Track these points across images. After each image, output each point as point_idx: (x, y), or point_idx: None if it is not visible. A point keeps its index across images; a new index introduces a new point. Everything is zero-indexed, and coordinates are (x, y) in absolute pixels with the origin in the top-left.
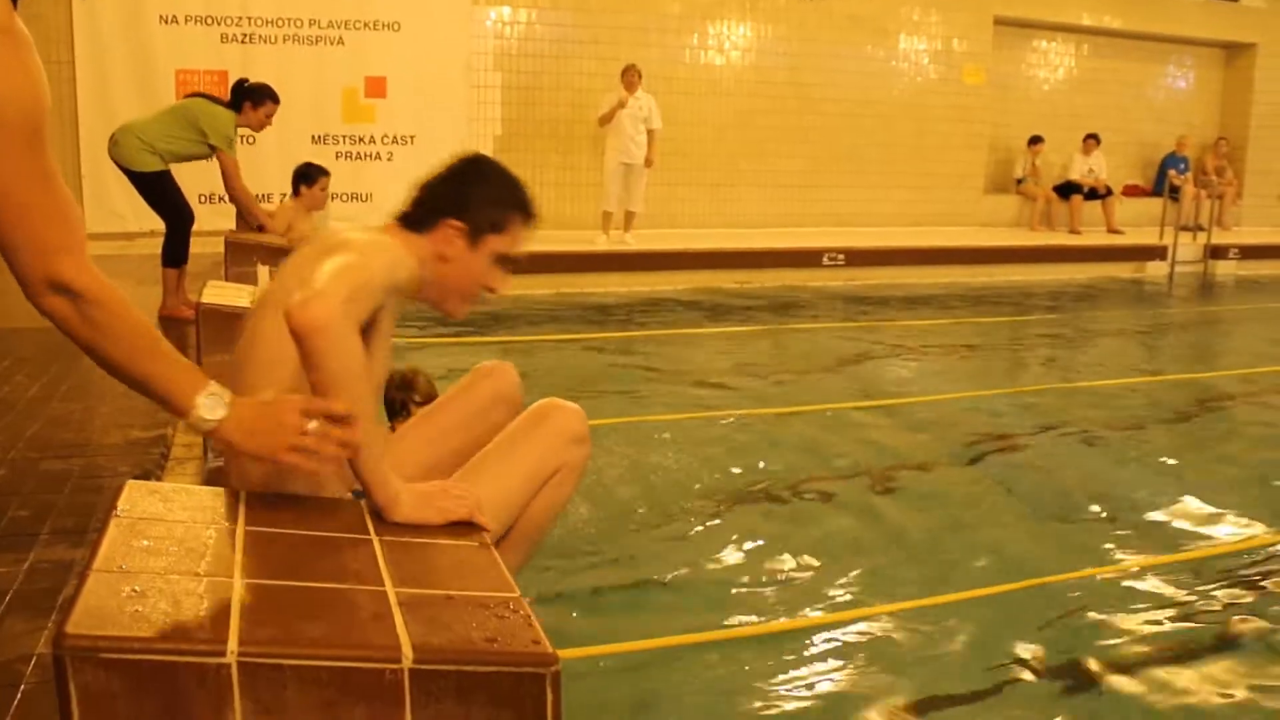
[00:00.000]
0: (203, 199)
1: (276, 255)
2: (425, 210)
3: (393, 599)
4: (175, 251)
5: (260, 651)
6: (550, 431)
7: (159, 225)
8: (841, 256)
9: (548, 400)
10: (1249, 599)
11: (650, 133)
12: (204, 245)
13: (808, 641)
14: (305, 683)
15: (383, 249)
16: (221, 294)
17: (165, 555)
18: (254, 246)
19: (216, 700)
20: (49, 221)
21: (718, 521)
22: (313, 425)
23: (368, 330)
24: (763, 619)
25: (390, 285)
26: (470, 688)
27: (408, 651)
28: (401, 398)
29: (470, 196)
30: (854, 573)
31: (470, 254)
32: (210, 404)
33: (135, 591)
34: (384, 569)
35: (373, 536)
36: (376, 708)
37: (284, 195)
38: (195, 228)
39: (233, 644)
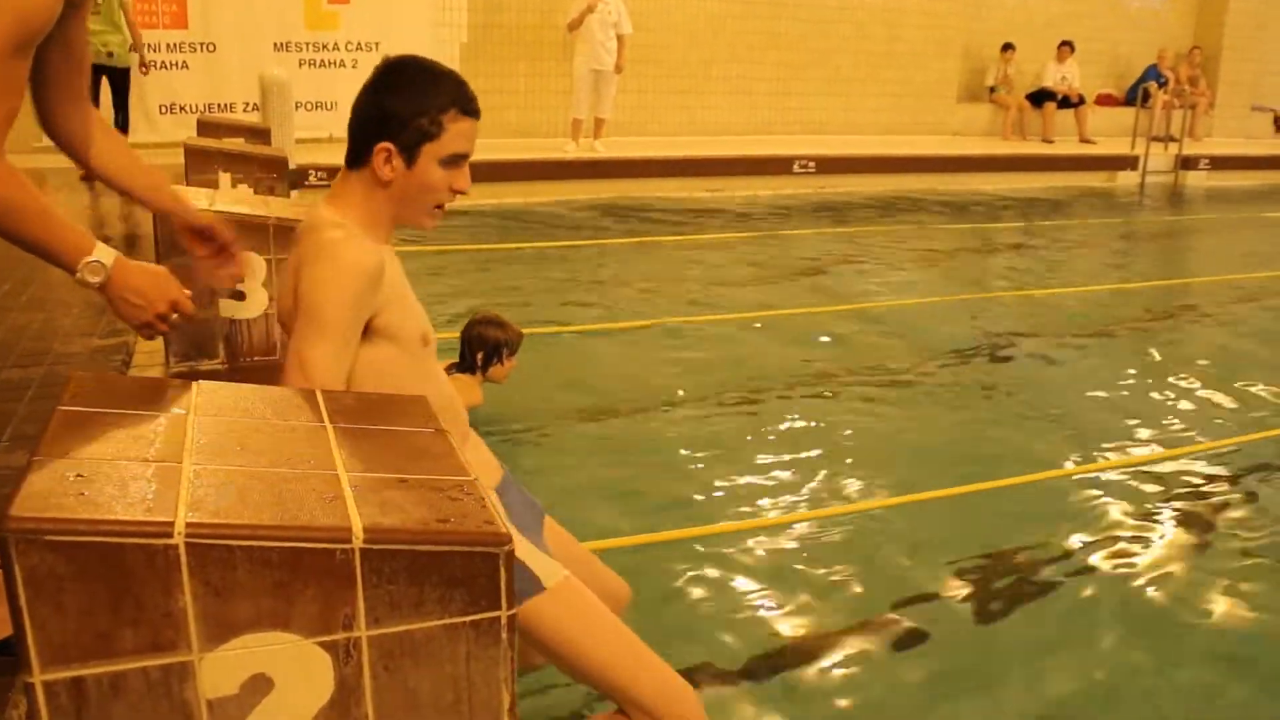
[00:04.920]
0: (163, 109)
1: (237, 162)
2: (355, 141)
3: (345, 482)
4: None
5: (209, 532)
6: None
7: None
8: (812, 164)
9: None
10: (1214, 497)
11: (620, 38)
12: (168, 156)
13: (780, 539)
14: (255, 564)
15: (333, 274)
16: None
17: (113, 442)
18: (214, 154)
19: (165, 582)
20: None
21: (691, 424)
22: (174, 317)
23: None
24: (738, 518)
25: (361, 298)
26: (422, 567)
27: (358, 531)
28: (496, 338)
29: (388, 111)
30: (826, 473)
31: (411, 171)
32: (93, 267)
33: (81, 476)
34: (337, 455)
35: (327, 424)
36: (328, 588)
37: (246, 105)
38: (156, 139)
39: (180, 525)
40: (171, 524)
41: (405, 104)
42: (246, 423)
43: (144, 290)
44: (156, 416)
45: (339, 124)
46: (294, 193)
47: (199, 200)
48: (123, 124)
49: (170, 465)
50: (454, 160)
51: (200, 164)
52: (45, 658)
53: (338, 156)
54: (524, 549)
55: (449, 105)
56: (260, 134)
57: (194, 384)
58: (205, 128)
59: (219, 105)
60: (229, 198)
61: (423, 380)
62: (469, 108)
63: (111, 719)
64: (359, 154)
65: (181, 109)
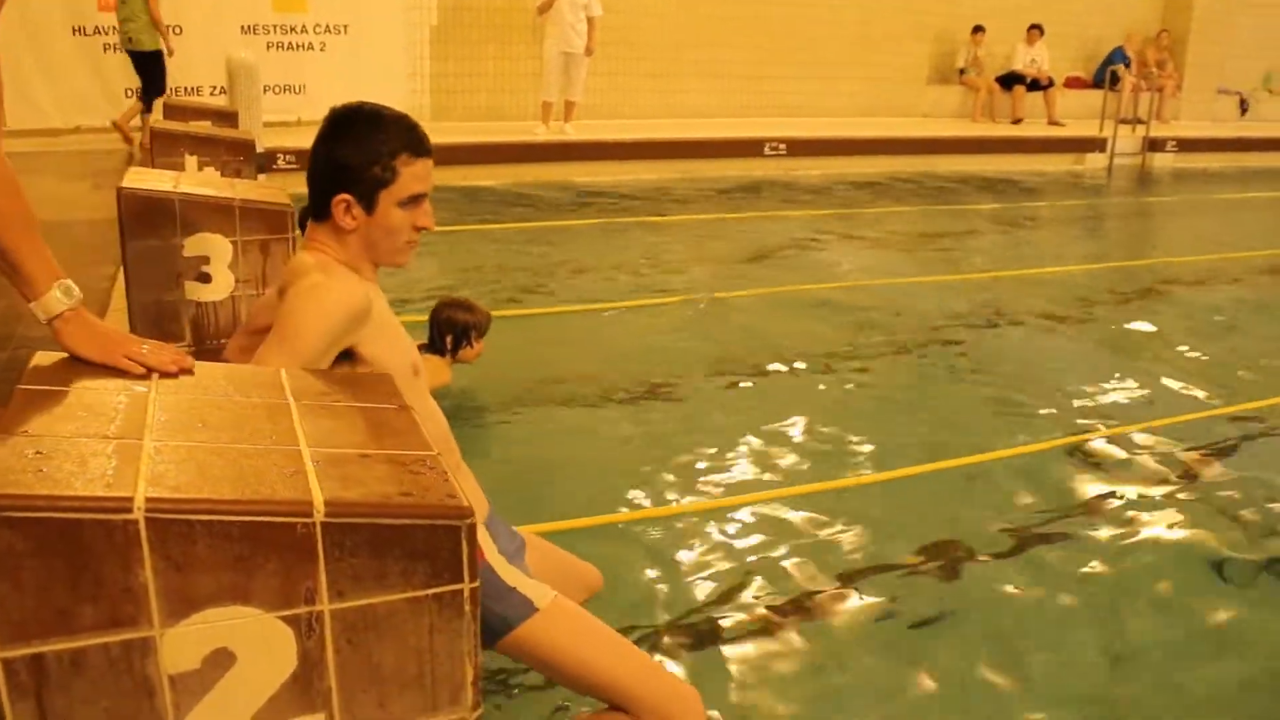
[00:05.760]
0: (129, 93)
1: (204, 145)
2: (315, 196)
3: (307, 457)
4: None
5: (169, 507)
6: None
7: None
8: (783, 146)
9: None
10: (1188, 468)
11: (590, 20)
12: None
13: (749, 517)
14: (216, 538)
15: (316, 306)
16: (144, 179)
17: (73, 420)
18: (181, 137)
19: (125, 557)
20: None
21: (661, 404)
22: (146, 347)
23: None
24: (711, 496)
25: (338, 332)
26: (384, 541)
27: (319, 505)
28: (464, 321)
29: (341, 163)
30: (800, 451)
31: (372, 218)
32: (62, 296)
33: (40, 453)
34: (300, 430)
35: (290, 401)
36: (289, 562)
37: (213, 89)
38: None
39: (140, 500)
40: (131, 499)
41: (356, 153)
42: (208, 399)
43: (108, 332)
44: (117, 394)
45: (307, 107)
46: (261, 176)
47: (163, 183)
48: (147, 106)
49: (130, 442)
50: (413, 200)
51: (166, 147)
52: (4, 635)
53: (306, 139)
54: (514, 576)
55: (400, 149)
56: (227, 117)
57: None
58: (171, 111)
59: (186, 89)
60: (194, 180)
61: (418, 410)
62: (420, 149)
63: (72, 695)
64: (320, 207)
65: None
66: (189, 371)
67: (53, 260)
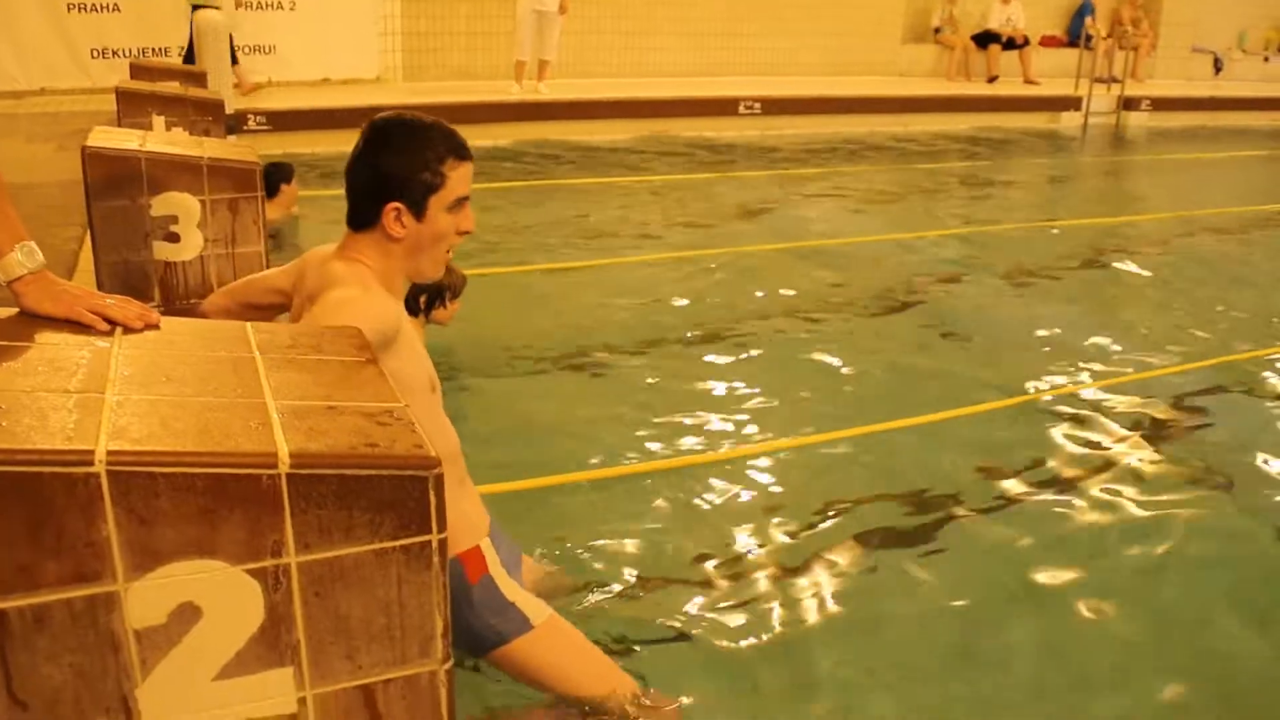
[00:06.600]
0: (94, 54)
1: (171, 105)
2: (360, 204)
3: (273, 409)
4: None
5: (131, 460)
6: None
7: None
8: (757, 105)
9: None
10: (1158, 421)
11: None
12: (100, 102)
13: (724, 472)
14: (179, 490)
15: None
16: (109, 138)
17: (33, 375)
18: (148, 97)
19: (88, 511)
20: None
21: (641, 361)
22: (111, 301)
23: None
24: (692, 453)
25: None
26: (351, 491)
27: (284, 456)
28: (439, 281)
29: (389, 173)
30: (773, 407)
31: (422, 224)
32: (23, 258)
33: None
34: (265, 384)
35: (256, 354)
36: (255, 514)
37: (181, 49)
38: (87, 84)
39: (101, 453)
40: (92, 452)
41: (405, 162)
42: (172, 354)
43: (70, 289)
44: (79, 349)
45: (277, 68)
46: (231, 138)
47: (130, 141)
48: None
49: (92, 395)
50: (458, 204)
51: (133, 107)
52: None
53: (277, 100)
54: (514, 591)
55: (446, 154)
56: (196, 78)
57: None
58: (139, 72)
59: (153, 50)
60: (162, 139)
61: (432, 425)
62: (462, 153)
63: (36, 652)
64: (366, 216)
65: (114, 53)
66: (154, 326)
67: (17, 221)
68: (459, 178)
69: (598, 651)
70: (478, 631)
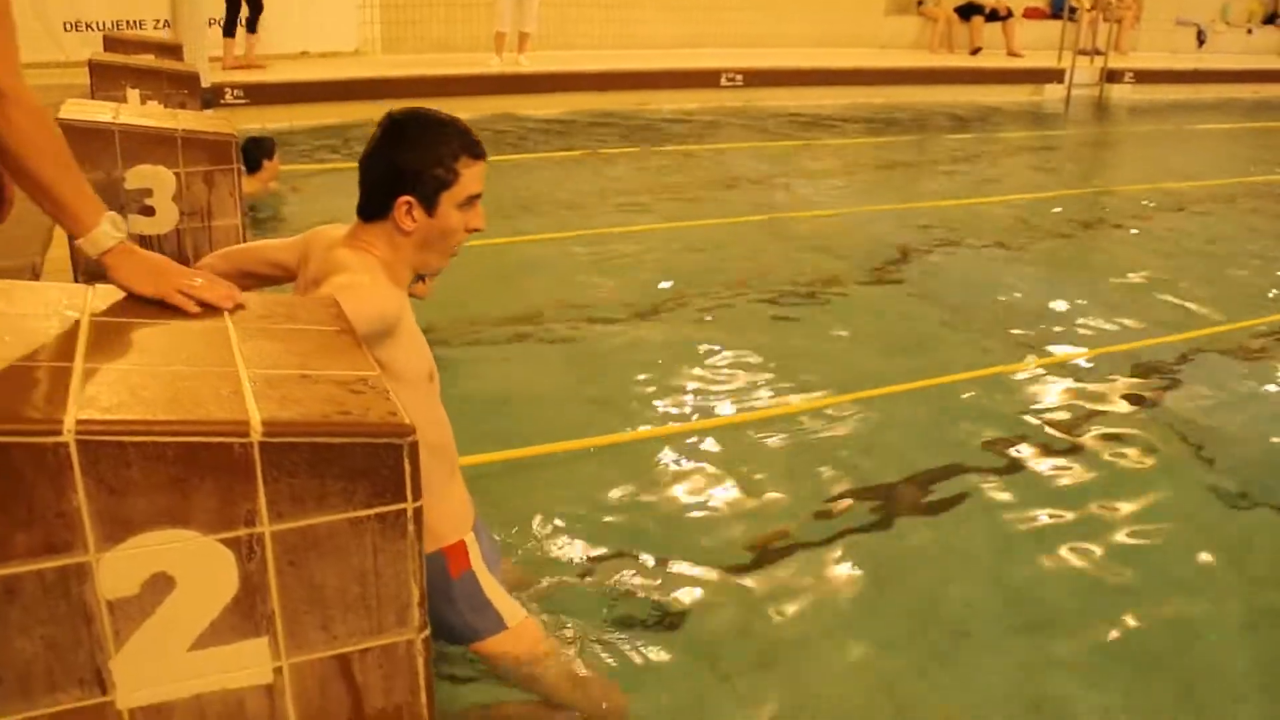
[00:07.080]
0: (68, 26)
1: (146, 78)
2: (372, 195)
3: (245, 378)
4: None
5: (100, 429)
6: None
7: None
8: (739, 77)
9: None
10: (1137, 391)
11: None
12: (73, 75)
13: (713, 442)
14: (150, 460)
15: (354, 310)
16: (82, 110)
17: (1, 346)
18: (122, 69)
19: (57, 481)
20: None
21: (626, 333)
22: (199, 280)
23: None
24: (677, 421)
25: (367, 337)
26: (324, 460)
27: (256, 425)
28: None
29: (405, 166)
30: (762, 377)
31: (433, 219)
32: (111, 229)
33: None
34: (238, 353)
35: (229, 324)
36: (227, 483)
37: (156, 22)
38: (61, 58)
39: (70, 422)
40: (61, 421)
41: (420, 157)
42: (143, 324)
43: (160, 265)
44: (48, 320)
45: (255, 40)
46: (208, 111)
47: (103, 113)
48: (251, 26)
49: (61, 366)
50: (469, 202)
51: (107, 81)
52: None
53: (254, 74)
54: (493, 590)
55: (460, 152)
56: (172, 51)
57: (88, 288)
58: (113, 44)
59: (128, 23)
60: (135, 112)
61: (427, 416)
62: (476, 151)
63: (8, 624)
64: (378, 208)
65: (88, 26)
66: (242, 306)
67: (94, 193)
68: (472, 176)
69: (566, 656)
70: (453, 626)
